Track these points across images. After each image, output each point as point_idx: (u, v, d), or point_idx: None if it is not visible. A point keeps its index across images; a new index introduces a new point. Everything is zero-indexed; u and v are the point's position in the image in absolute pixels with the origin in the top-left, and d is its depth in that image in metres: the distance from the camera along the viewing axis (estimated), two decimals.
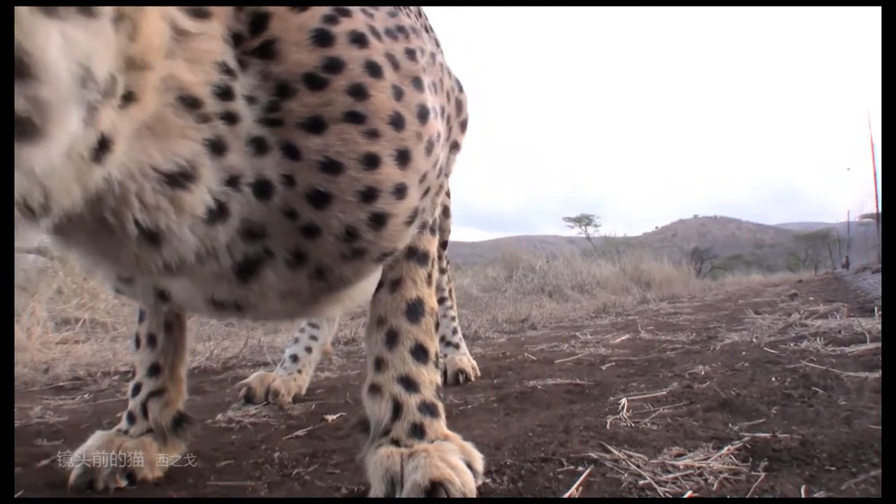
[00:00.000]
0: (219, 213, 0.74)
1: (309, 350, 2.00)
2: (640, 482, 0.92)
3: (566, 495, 0.89)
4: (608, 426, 1.24)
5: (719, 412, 1.30)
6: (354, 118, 0.78)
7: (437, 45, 1.74)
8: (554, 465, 1.01)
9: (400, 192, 0.84)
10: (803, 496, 0.83)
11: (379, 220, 0.84)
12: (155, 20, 0.61)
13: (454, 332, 2.24)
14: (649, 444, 1.10)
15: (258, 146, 0.75)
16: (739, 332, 2.87)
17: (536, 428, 1.27)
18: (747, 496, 0.85)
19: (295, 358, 1.96)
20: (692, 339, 2.82)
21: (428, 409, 0.98)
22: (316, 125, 0.76)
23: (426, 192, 0.92)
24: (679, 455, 1.03)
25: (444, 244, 2.13)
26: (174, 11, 0.64)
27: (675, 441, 1.11)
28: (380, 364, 1.00)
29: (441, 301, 2.18)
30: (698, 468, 0.96)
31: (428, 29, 1.76)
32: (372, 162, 0.80)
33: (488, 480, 0.95)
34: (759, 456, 1.00)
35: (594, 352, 2.60)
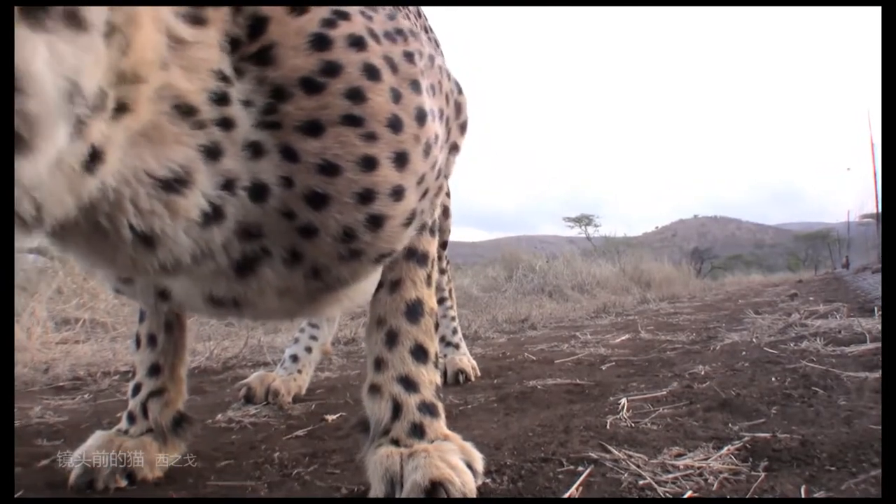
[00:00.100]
0: (214, 215, 0.75)
1: (309, 350, 2.00)
2: (640, 482, 0.92)
3: (566, 495, 0.89)
4: (608, 426, 1.24)
5: (719, 412, 1.30)
6: (352, 121, 0.78)
7: (437, 45, 1.74)
8: (554, 465, 1.01)
9: (397, 194, 0.84)
10: (803, 496, 0.83)
11: (376, 222, 0.84)
12: (149, 33, 0.60)
13: (454, 332, 2.24)
14: (649, 444, 1.10)
15: (255, 150, 0.75)
16: (739, 332, 2.87)
17: (536, 428, 1.27)
18: (747, 496, 0.85)
19: (295, 358, 1.96)
20: (692, 339, 2.82)
21: (428, 408, 0.98)
22: (314, 128, 0.76)
23: (424, 193, 0.92)
24: (679, 455, 1.03)
25: (444, 244, 2.13)
26: (171, 20, 0.64)
27: (675, 441, 1.11)
28: (379, 364, 1.00)
29: (441, 301, 2.18)
30: (698, 468, 0.96)
31: (427, 29, 1.76)
32: (369, 164, 0.80)
33: (488, 480, 0.95)
34: (759, 456, 1.00)
35: (594, 352, 2.60)
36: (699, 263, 26.05)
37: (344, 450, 1.22)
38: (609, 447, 1.08)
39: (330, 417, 1.56)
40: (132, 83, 0.60)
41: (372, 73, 0.80)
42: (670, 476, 0.93)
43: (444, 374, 2.03)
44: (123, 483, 1.06)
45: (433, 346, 1.03)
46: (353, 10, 0.80)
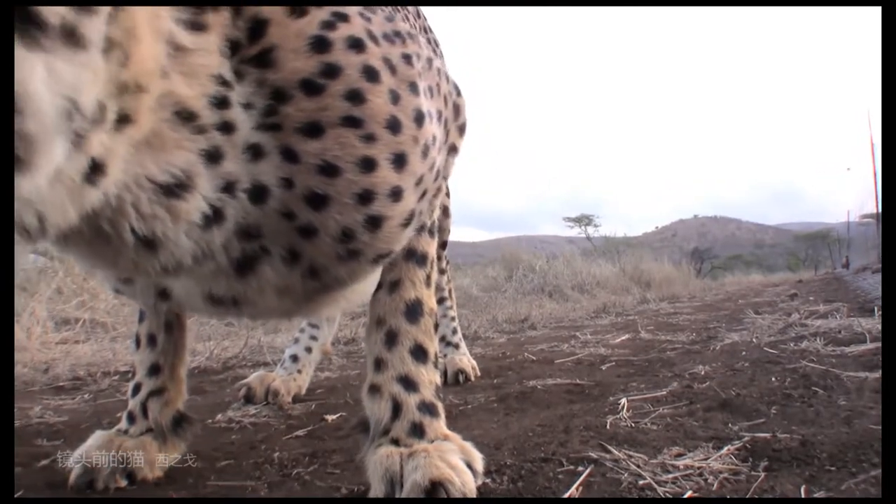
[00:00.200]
0: (214, 218, 0.75)
1: (309, 350, 2.00)
2: (640, 482, 0.92)
3: (566, 495, 0.89)
4: (608, 426, 1.24)
5: (719, 412, 1.30)
6: (352, 122, 0.79)
7: (437, 45, 1.74)
8: (554, 465, 1.01)
9: (396, 194, 0.84)
10: (803, 496, 0.83)
11: (375, 223, 0.84)
12: (148, 45, 0.60)
13: (454, 332, 2.24)
14: (649, 444, 1.10)
15: (255, 152, 0.76)
16: (739, 332, 2.87)
17: (536, 428, 1.27)
18: (747, 496, 0.85)
19: (295, 358, 1.96)
20: (692, 339, 2.82)
21: (427, 408, 0.98)
22: (313, 129, 0.77)
23: (423, 194, 0.92)
24: (679, 455, 1.03)
25: (443, 244, 2.13)
26: (172, 28, 0.64)
27: (675, 441, 1.11)
28: (379, 364, 1.00)
29: (441, 301, 2.18)
30: (698, 468, 0.96)
31: (427, 30, 1.76)
32: (369, 165, 0.81)
33: (488, 480, 0.95)
34: (759, 456, 1.00)
35: (594, 352, 2.60)
36: (699, 263, 26.05)
37: (344, 450, 1.22)
38: (609, 447, 1.08)
39: (330, 417, 1.56)
40: (133, 94, 0.60)
41: (371, 74, 0.80)
42: (670, 476, 0.94)
43: (444, 374, 2.02)
44: (123, 483, 1.06)
45: (433, 346, 1.03)
46: (352, 11, 0.81)
